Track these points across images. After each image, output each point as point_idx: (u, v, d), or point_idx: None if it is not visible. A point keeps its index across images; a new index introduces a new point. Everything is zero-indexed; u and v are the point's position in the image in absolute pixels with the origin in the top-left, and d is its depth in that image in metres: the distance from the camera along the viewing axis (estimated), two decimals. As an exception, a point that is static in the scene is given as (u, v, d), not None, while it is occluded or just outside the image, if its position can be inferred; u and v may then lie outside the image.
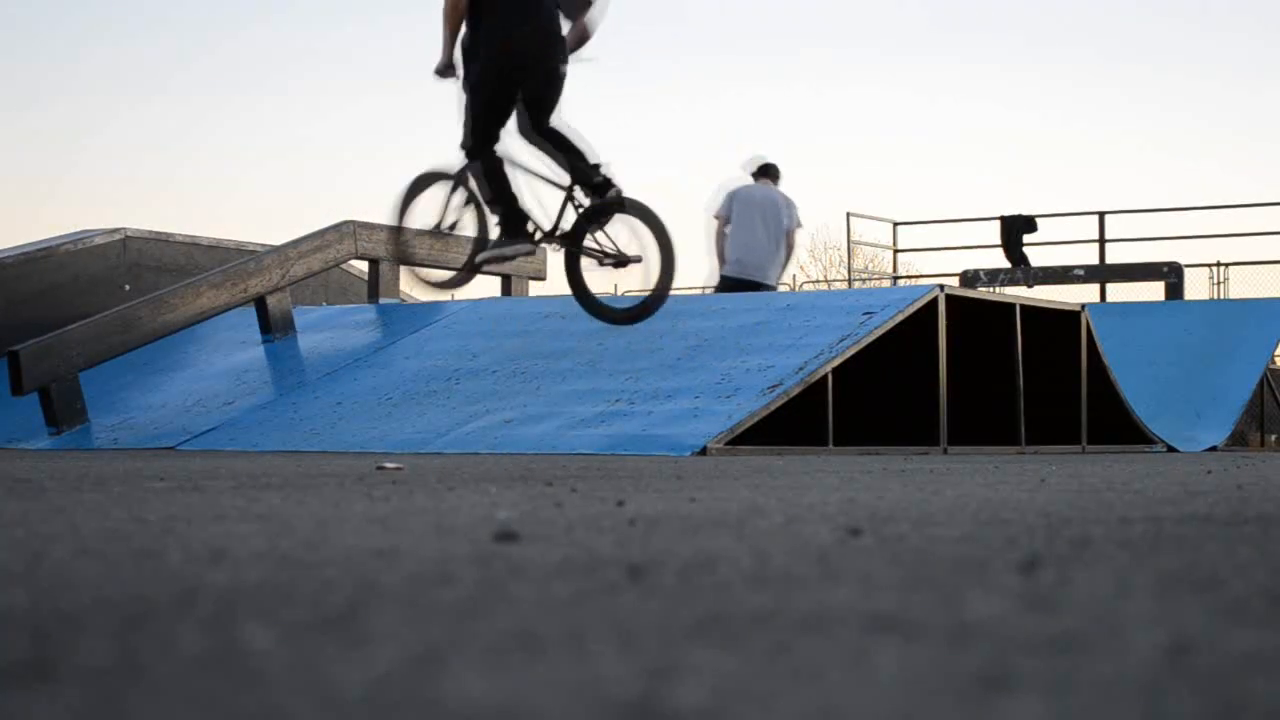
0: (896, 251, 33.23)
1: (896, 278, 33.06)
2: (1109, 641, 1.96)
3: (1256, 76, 57.35)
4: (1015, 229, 30.43)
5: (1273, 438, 27.93)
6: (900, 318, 14.89)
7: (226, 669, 1.81)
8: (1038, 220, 30.31)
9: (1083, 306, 17.59)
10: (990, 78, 58.97)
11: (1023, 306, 16.94)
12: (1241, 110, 57.56)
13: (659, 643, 2.00)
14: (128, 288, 19.78)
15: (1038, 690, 1.62)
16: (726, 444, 12.85)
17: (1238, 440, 26.57)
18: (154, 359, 17.45)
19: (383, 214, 14.54)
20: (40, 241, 19.88)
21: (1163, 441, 18.01)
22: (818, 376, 13.91)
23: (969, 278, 29.50)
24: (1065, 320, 17.44)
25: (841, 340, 14.33)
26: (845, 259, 33.91)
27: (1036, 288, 28.50)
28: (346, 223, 18.70)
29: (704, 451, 12.51)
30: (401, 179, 18.14)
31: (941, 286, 15.80)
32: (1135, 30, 58.60)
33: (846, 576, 2.82)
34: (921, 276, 32.75)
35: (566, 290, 13.75)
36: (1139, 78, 58.63)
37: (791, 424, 14.48)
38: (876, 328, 14.57)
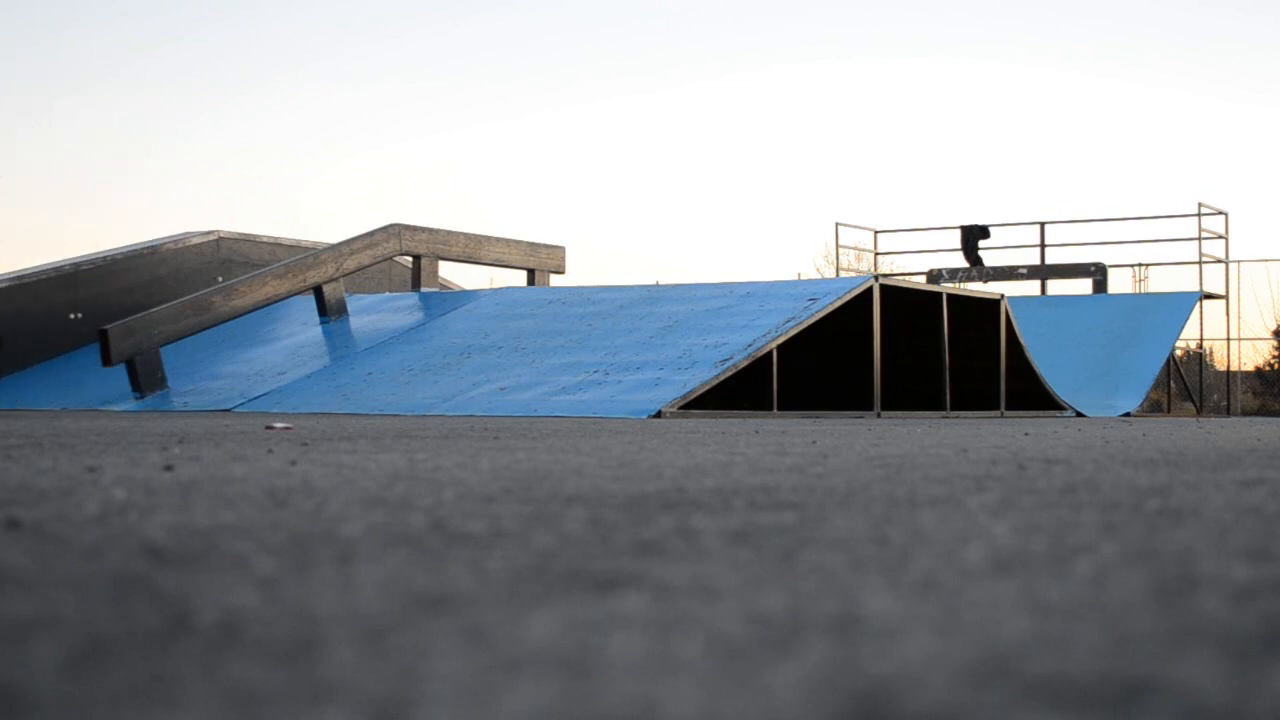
0: (877, 254, 32.75)
1: (876, 276, 32.51)
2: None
3: (1181, 97, 56.37)
4: (973, 236, 30.15)
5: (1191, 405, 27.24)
6: (839, 303, 14.34)
7: None
8: (991, 229, 30.00)
9: (1002, 296, 16.98)
10: (961, 102, 58.20)
11: (949, 296, 16.35)
12: (1164, 129, 56.61)
13: None
14: (220, 279, 19.44)
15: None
16: (680, 408, 12.34)
17: (1154, 407, 26.00)
18: (233, 335, 17.10)
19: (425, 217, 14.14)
20: (147, 240, 19.57)
21: (1072, 408, 17.38)
22: (764, 351, 13.38)
23: (934, 276, 29.18)
24: (987, 307, 16.83)
25: (787, 322, 13.79)
26: (834, 260, 33.36)
27: (990, 283, 28.18)
28: (393, 225, 18.28)
29: (659, 414, 12.00)
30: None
31: (876, 277, 15.25)
32: (1078, 60, 57.69)
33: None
34: (896, 274, 32.25)
35: (577, 282, 13.69)
36: (1078, 102, 57.75)
37: (746, 392, 13.97)
38: (818, 311, 14.02)
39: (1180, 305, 23.50)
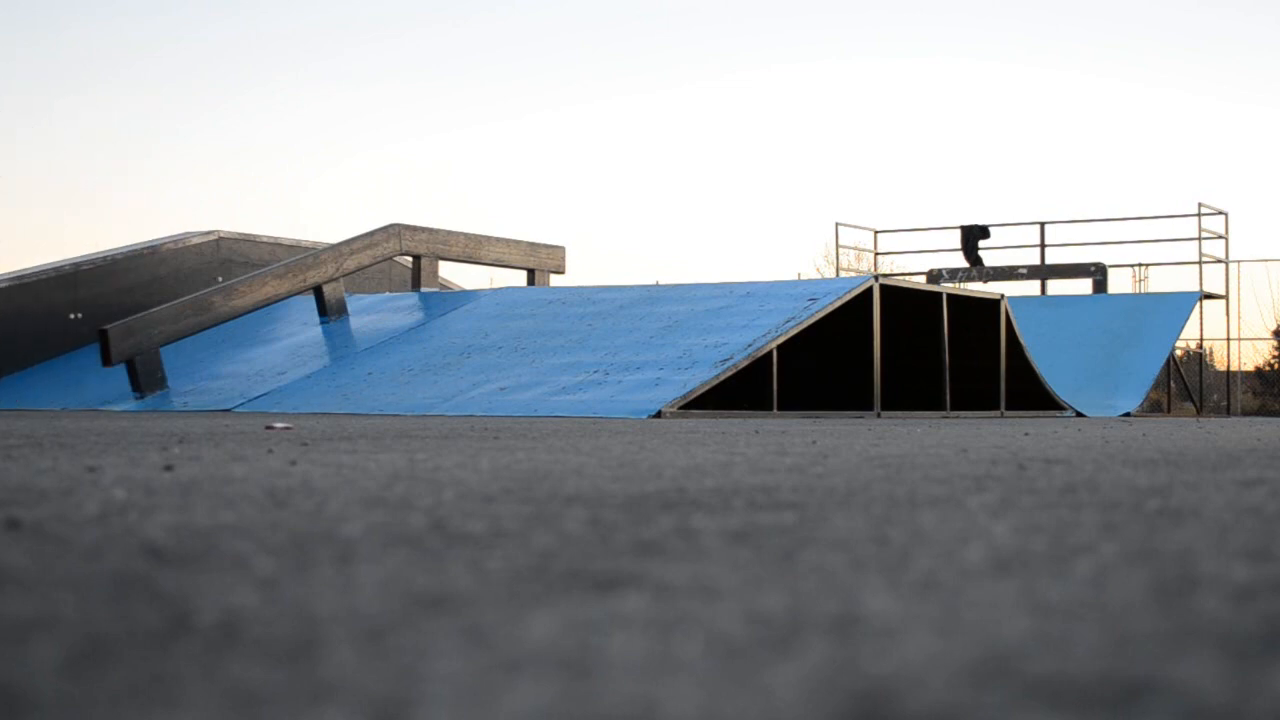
0: (877, 254, 32.76)
1: (876, 276, 32.50)
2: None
3: (1181, 97, 56.42)
4: (973, 236, 30.18)
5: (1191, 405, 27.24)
6: (839, 303, 14.34)
7: None
8: (991, 229, 30.03)
9: (1002, 296, 16.98)
10: (961, 102, 58.21)
11: (949, 296, 16.35)
12: (1164, 129, 56.65)
13: None
14: (220, 279, 19.44)
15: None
16: (680, 408, 12.34)
17: (1155, 407, 26.01)
18: (233, 335, 17.10)
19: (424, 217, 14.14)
20: (147, 240, 19.57)
21: (1072, 408, 17.39)
22: (764, 351, 13.38)
23: (934, 276, 29.19)
24: (987, 307, 16.83)
25: (787, 322, 13.79)
26: (834, 260, 33.34)
27: (990, 283, 28.21)
28: (393, 225, 18.29)
29: (659, 414, 12.00)
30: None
31: (876, 277, 15.26)
32: (1078, 60, 57.72)
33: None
34: (896, 274, 32.26)
35: (577, 282, 13.52)
36: (1078, 102, 57.75)
37: (746, 392, 13.97)
38: (818, 311, 14.02)
39: (1180, 305, 23.51)
